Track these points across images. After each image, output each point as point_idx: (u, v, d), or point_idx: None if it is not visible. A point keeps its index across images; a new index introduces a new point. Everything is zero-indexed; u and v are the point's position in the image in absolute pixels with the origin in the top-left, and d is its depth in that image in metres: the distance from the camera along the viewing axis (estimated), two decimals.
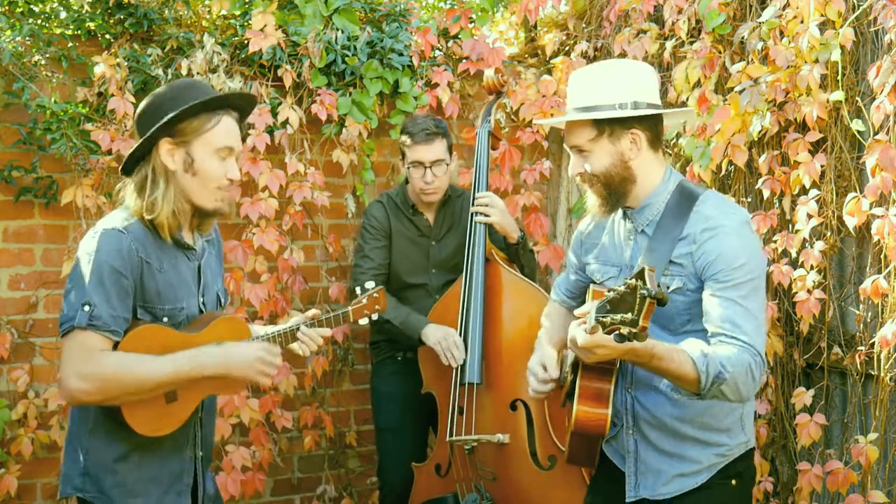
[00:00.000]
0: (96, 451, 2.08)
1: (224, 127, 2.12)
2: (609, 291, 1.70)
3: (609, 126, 2.08)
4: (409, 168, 3.25)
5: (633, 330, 1.64)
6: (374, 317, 2.52)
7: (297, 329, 2.33)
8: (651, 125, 2.12)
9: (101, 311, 1.96)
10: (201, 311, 2.23)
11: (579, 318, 1.85)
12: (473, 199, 3.23)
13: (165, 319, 2.11)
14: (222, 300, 2.35)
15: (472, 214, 3.20)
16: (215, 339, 2.14)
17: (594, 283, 2.29)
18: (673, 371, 1.88)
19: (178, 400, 2.10)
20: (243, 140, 2.34)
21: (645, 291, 1.63)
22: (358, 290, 2.54)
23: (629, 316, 1.64)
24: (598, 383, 2.07)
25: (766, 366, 2.00)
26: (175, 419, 2.11)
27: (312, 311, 2.39)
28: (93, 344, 1.96)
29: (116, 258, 2.00)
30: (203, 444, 2.26)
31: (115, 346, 2.01)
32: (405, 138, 3.24)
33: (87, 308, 1.96)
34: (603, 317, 1.68)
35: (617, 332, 1.67)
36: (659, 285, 1.65)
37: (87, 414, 2.09)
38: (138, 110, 2.15)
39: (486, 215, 3.17)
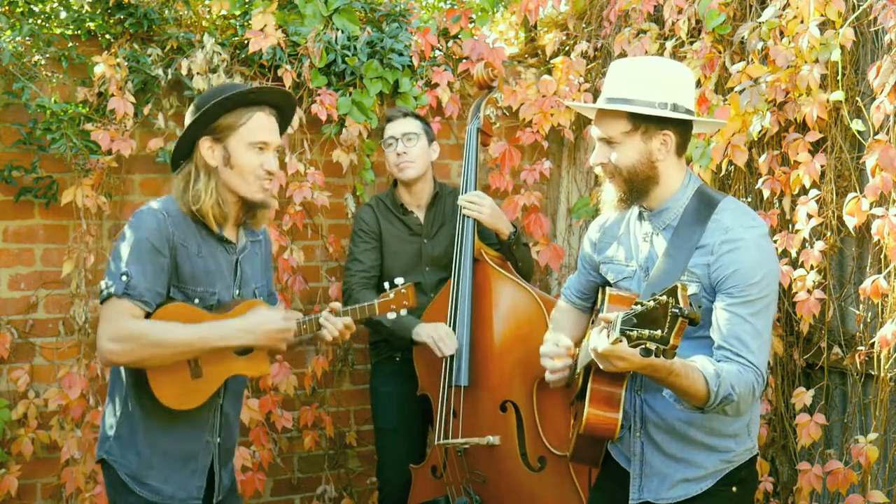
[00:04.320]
0: (123, 419, 2.25)
1: (256, 122, 2.26)
2: (636, 304, 1.68)
3: (645, 123, 2.07)
4: (386, 148, 3.34)
5: (664, 347, 1.63)
6: (403, 312, 2.52)
7: (320, 317, 2.42)
8: (682, 130, 2.12)
9: (136, 282, 2.12)
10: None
11: (603, 322, 1.83)
12: (463, 195, 3.24)
13: (197, 301, 2.24)
14: (258, 296, 2.42)
15: (460, 212, 3.21)
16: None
17: (608, 284, 2.29)
18: (686, 387, 1.88)
19: (203, 377, 2.23)
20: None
21: (677, 310, 1.61)
22: (387, 284, 2.54)
23: (659, 333, 1.62)
24: (609, 387, 2.06)
25: (766, 379, 2.01)
26: (200, 395, 2.24)
27: (334, 304, 2.47)
28: (126, 310, 2.11)
29: (155, 235, 2.16)
30: (222, 430, 2.36)
31: (147, 317, 2.15)
32: (383, 125, 3.40)
33: (124, 278, 2.11)
34: (630, 330, 1.66)
35: (643, 346, 1.65)
36: (691, 304, 1.63)
37: (122, 382, 2.25)
38: (187, 112, 2.31)
39: (477, 211, 3.17)
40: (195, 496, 2.28)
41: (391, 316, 2.51)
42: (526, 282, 3.20)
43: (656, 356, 1.65)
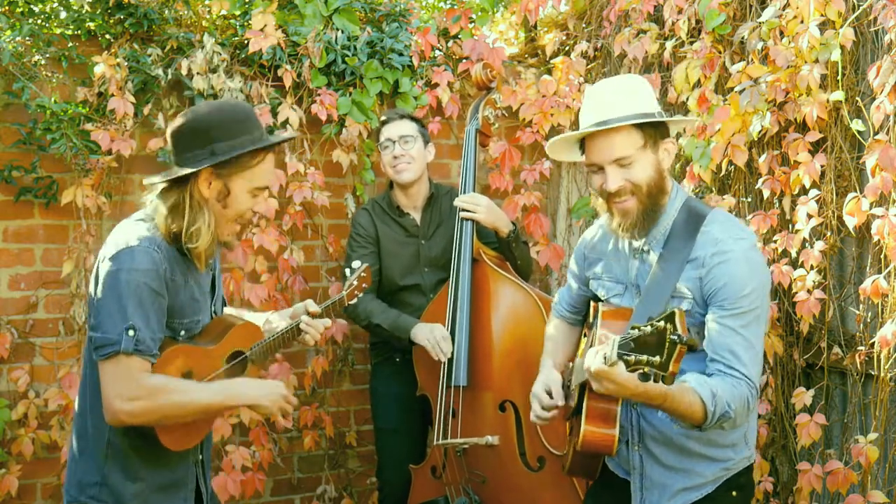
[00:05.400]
0: (116, 461, 2.08)
1: (266, 166, 2.12)
2: (633, 329, 1.66)
3: (653, 134, 2.06)
4: (382, 150, 3.33)
5: (663, 374, 1.61)
6: (360, 294, 2.64)
7: (301, 323, 2.38)
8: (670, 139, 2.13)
9: (143, 335, 1.96)
10: (211, 318, 2.27)
11: (599, 341, 1.82)
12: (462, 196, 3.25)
13: (183, 333, 2.12)
14: (224, 304, 2.40)
15: (458, 214, 3.21)
16: (232, 348, 2.20)
17: (599, 300, 2.27)
18: (683, 411, 1.87)
19: None
20: None
21: (675, 337, 1.59)
22: (347, 271, 2.65)
23: (657, 360, 1.60)
24: (605, 403, 2.04)
25: (759, 391, 2.02)
26: (199, 433, 2.19)
27: (311, 307, 2.42)
28: (136, 367, 1.97)
29: (154, 278, 1.99)
30: (204, 448, 2.30)
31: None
32: (379, 127, 3.38)
33: (131, 333, 1.95)
34: (627, 354, 1.64)
35: (641, 372, 1.63)
36: (689, 331, 1.61)
37: (99, 426, 2.07)
38: (180, 125, 2.08)
39: (473, 212, 3.18)
40: None
41: (353, 301, 2.63)
42: (525, 282, 3.21)
43: (655, 381, 1.63)
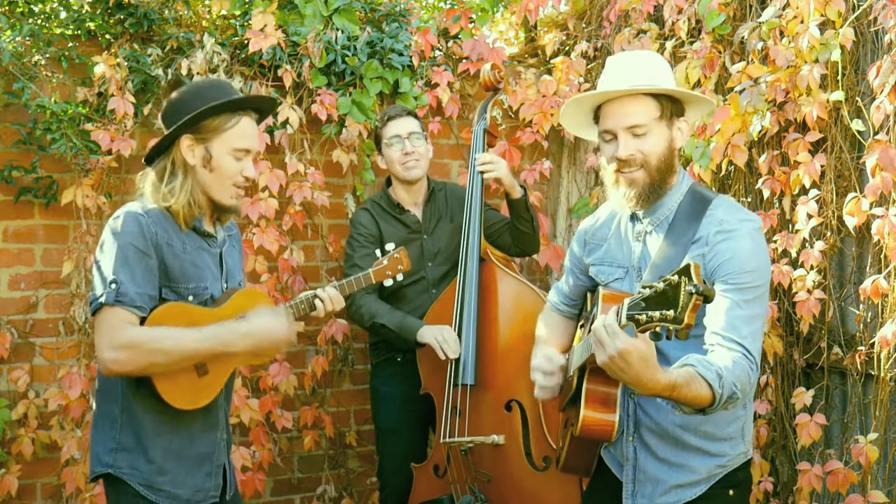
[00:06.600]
0: (128, 427, 2.15)
1: (242, 128, 2.21)
2: (644, 288, 1.60)
3: (669, 109, 2.07)
4: (388, 147, 3.31)
5: (677, 327, 1.54)
6: (399, 277, 2.60)
7: (315, 297, 2.40)
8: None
9: (126, 289, 2.06)
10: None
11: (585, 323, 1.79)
12: (470, 195, 3.25)
13: (191, 298, 2.19)
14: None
15: (467, 215, 3.21)
16: (235, 311, 2.23)
17: (600, 284, 2.26)
18: (692, 398, 1.80)
19: (210, 373, 2.19)
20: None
21: (692, 288, 1.52)
22: (378, 252, 2.63)
23: (671, 313, 1.53)
24: (605, 387, 2.00)
25: (759, 367, 1.99)
26: (209, 392, 2.21)
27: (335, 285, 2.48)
28: (120, 318, 2.05)
29: (138, 239, 2.10)
30: (226, 426, 2.34)
31: (142, 322, 2.09)
32: (379, 124, 3.35)
33: (113, 286, 2.05)
34: (638, 314, 1.58)
35: (653, 330, 1.58)
36: (705, 282, 1.54)
37: (118, 391, 2.16)
38: (164, 105, 2.25)
39: (494, 171, 3.19)
40: (213, 495, 2.25)
41: (388, 283, 2.58)
42: (530, 282, 3.22)
43: (668, 339, 1.58)
